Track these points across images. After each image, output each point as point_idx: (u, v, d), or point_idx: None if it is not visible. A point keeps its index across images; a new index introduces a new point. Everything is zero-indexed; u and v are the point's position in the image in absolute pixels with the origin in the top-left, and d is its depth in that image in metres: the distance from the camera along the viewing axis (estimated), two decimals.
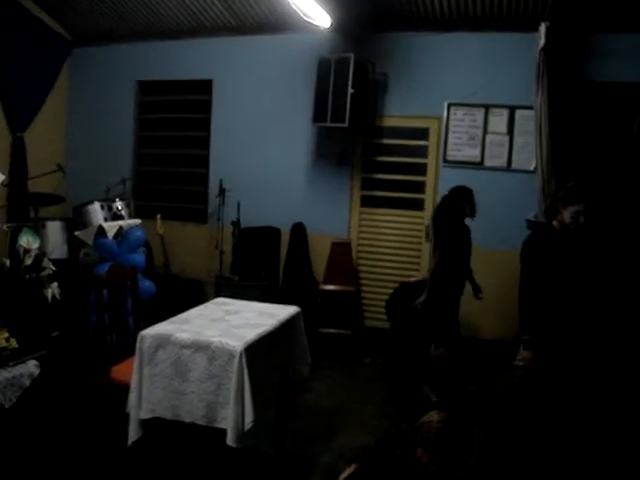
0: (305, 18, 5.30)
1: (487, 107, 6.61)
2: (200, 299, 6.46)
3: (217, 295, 5.79)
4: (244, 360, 3.04)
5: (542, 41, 5.98)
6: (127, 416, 3.24)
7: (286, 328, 3.74)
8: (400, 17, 6.55)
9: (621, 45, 6.19)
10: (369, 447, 2.69)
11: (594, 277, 4.06)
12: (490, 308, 6.16)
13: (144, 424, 3.22)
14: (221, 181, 7.02)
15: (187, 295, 6.35)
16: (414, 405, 4.78)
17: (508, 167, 6.57)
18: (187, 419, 3.12)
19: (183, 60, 7.49)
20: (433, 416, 2.66)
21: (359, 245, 7.05)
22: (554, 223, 3.93)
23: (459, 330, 5.25)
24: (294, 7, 5.14)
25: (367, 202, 7.00)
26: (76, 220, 6.22)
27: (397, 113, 6.84)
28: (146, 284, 5.79)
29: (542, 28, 5.97)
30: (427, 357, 5.16)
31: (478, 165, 6.68)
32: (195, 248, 7.38)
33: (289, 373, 3.93)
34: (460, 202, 5.15)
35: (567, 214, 3.80)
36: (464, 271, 5.20)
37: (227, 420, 3.02)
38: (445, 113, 6.71)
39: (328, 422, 4.51)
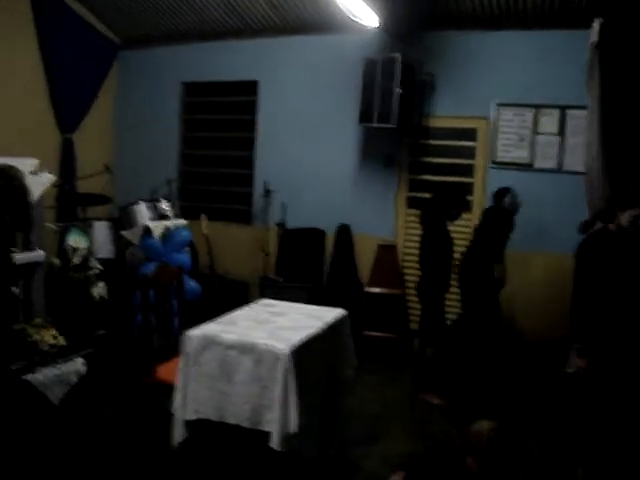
0: (352, 18, 5.24)
1: (537, 107, 6.44)
2: (245, 300, 6.48)
3: (262, 295, 5.78)
4: (290, 363, 3.00)
5: (594, 38, 5.80)
6: (172, 416, 3.23)
7: (332, 331, 3.69)
8: (448, 16, 6.44)
9: None
10: (416, 454, 2.62)
11: None
12: (539, 310, 6.07)
13: (189, 425, 3.20)
14: (266, 182, 7.02)
15: (232, 296, 6.36)
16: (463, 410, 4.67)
17: (559, 169, 6.39)
18: (232, 421, 3.09)
19: (228, 61, 7.52)
20: (484, 425, 2.59)
21: (405, 247, 6.96)
22: (610, 226, 3.80)
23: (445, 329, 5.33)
24: (341, 6, 5.09)
25: (414, 204, 6.88)
26: (122, 220, 6.27)
27: (445, 113, 6.73)
28: (191, 284, 5.80)
29: (595, 25, 5.78)
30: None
31: (528, 167, 6.53)
32: (240, 249, 7.37)
33: (334, 377, 3.87)
34: (448, 206, 5.16)
35: (625, 217, 3.67)
36: (448, 273, 5.20)
37: (272, 423, 2.98)
38: (494, 113, 6.57)
39: (372, 427, 4.44)
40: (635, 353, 3.75)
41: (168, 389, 3.36)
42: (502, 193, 5.54)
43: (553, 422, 4.33)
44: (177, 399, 3.23)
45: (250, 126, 7.55)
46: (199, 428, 3.23)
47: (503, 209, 5.45)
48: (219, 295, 6.06)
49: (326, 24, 6.82)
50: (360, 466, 3.86)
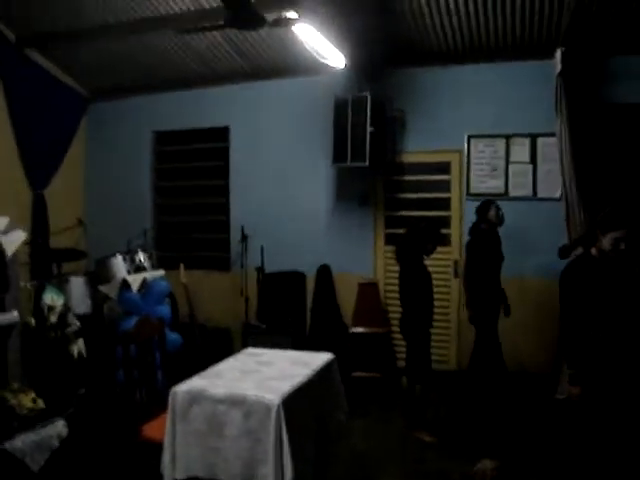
0: (320, 59, 5.27)
1: (508, 137, 6.51)
2: (228, 348, 6.38)
3: (244, 343, 5.69)
4: (281, 414, 2.92)
5: (559, 67, 5.92)
6: (161, 476, 3.11)
7: (321, 377, 3.62)
8: (414, 52, 6.53)
9: (637, 67, 6.13)
10: None
11: (635, 307, 3.90)
12: (517, 336, 6.10)
13: None
14: (242, 227, 6.97)
15: (214, 345, 6.26)
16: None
17: (534, 196, 6.43)
18: (223, 477, 2.98)
19: (199, 108, 7.53)
20: (487, 464, 2.52)
21: (387, 284, 6.91)
22: (592, 251, 3.79)
23: (431, 365, 5.25)
24: (308, 49, 5.11)
25: (392, 240, 6.84)
26: (99, 274, 6.17)
27: (417, 149, 6.77)
28: (173, 337, 5.68)
29: (558, 54, 5.92)
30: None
31: (503, 196, 6.55)
32: (220, 296, 7.28)
33: (326, 423, 3.77)
34: (422, 240, 5.12)
35: (606, 241, 3.66)
36: (430, 308, 5.15)
37: (266, 478, 2.88)
38: (466, 145, 6.63)
39: (368, 470, 4.33)
40: (626, 376, 3.73)
41: (156, 448, 3.23)
42: (486, 206, 5.75)
43: (550, 452, 4.27)
44: (165, 458, 3.12)
45: (223, 172, 7.54)
46: None
47: (488, 222, 5.68)
48: (201, 345, 5.93)
49: (294, 67, 6.88)
50: None
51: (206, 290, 7.18)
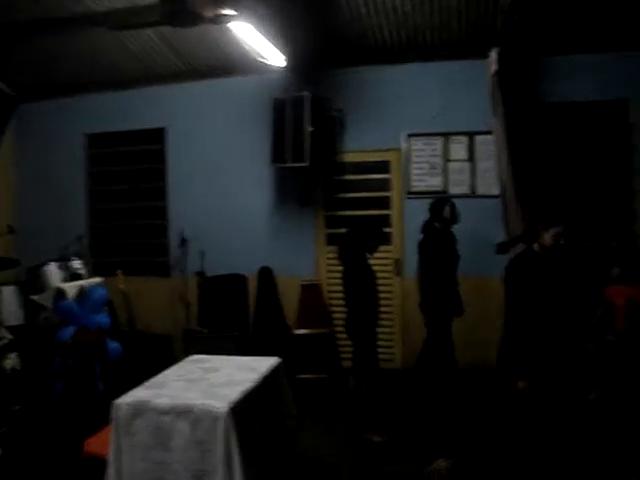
0: (258, 58, 5.18)
1: (446, 135, 6.58)
2: (169, 355, 6.23)
3: (186, 350, 5.55)
4: (230, 422, 2.84)
5: (494, 66, 6.01)
6: None
7: (269, 382, 3.55)
8: (353, 52, 6.52)
9: (570, 66, 6.30)
10: None
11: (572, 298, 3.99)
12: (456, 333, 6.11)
13: None
14: (182, 231, 6.81)
15: (155, 352, 6.09)
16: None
17: (473, 193, 6.51)
18: None
19: (133, 110, 7.32)
20: (441, 464, 2.50)
21: (329, 285, 6.88)
22: (535, 246, 3.85)
23: (378, 365, 5.19)
24: (247, 48, 5.01)
25: (333, 240, 6.81)
26: (31, 283, 5.92)
27: (357, 148, 6.77)
28: (113, 345, 5.50)
29: (493, 54, 6.01)
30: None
31: (442, 194, 6.61)
32: (159, 302, 7.09)
33: (276, 429, 3.70)
34: (364, 239, 5.07)
35: (548, 236, 3.73)
36: (375, 307, 5.10)
37: None
38: (405, 144, 6.66)
39: (318, 475, 4.26)
40: (567, 368, 3.81)
41: (99, 463, 3.10)
42: (440, 204, 5.62)
43: (505, 448, 4.31)
44: (110, 474, 2.99)
45: (160, 175, 7.35)
46: None
47: (442, 220, 5.55)
48: (142, 353, 5.76)
49: (232, 66, 6.77)
50: None
51: (145, 296, 7.00)
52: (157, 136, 7.33)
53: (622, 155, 6.47)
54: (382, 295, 6.43)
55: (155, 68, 6.99)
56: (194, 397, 3.00)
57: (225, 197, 7.04)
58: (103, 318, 5.61)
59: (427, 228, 5.65)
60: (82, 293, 5.59)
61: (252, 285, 6.93)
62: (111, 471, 2.98)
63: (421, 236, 5.68)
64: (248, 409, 3.08)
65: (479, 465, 3.51)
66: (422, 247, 5.63)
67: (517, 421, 3.94)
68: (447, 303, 5.49)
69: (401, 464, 4.13)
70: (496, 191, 6.20)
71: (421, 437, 4.82)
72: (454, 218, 5.63)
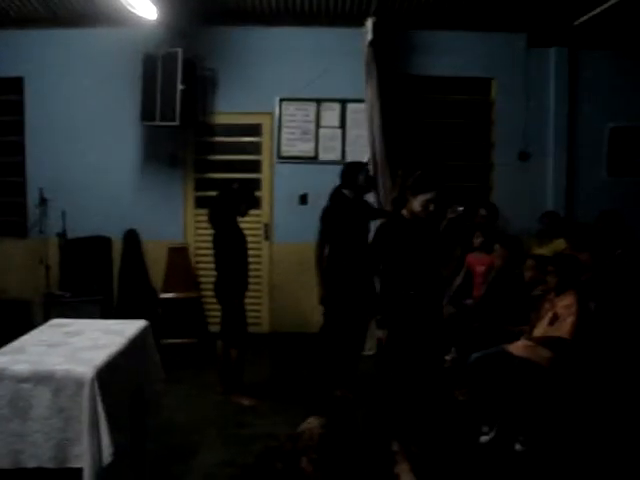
0: (129, 8, 4.90)
1: (319, 101, 6.63)
2: (28, 321, 5.90)
3: (47, 315, 5.26)
4: (96, 387, 2.71)
5: (369, 36, 6.09)
6: None
7: (136, 345, 3.43)
8: (229, 11, 6.37)
9: (441, 42, 6.57)
10: (248, 464, 2.49)
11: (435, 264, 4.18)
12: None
13: None
14: (41, 190, 6.38)
15: (12, 318, 5.74)
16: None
17: (343, 160, 6.60)
18: (32, 464, 2.68)
19: None
20: (313, 422, 2.52)
21: (197, 249, 6.78)
22: (403, 212, 3.98)
23: (247, 329, 5.11)
24: None
25: (202, 203, 6.68)
26: None
27: (228, 110, 6.67)
28: None
29: (369, 23, 6.09)
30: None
31: (313, 159, 6.69)
32: (16, 265, 6.64)
33: (142, 393, 3.60)
34: (236, 201, 4.92)
35: (417, 203, 3.86)
36: (245, 271, 5.02)
37: (81, 457, 2.67)
38: (277, 108, 6.63)
39: (187, 439, 4.21)
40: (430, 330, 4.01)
41: None
42: (354, 169, 5.07)
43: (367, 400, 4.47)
44: None
45: (17, 128, 6.80)
46: None
47: (355, 187, 4.98)
48: None
49: (100, 15, 6.33)
50: None
51: (0, 259, 6.55)
52: (14, 86, 6.75)
53: (482, 130, 6.83)
54: (251, 260, 6.44)
55: (12, 11, 6.40)
56: (56, 362, 2.83)
57: (89, 155, 6.65)
58: None
59: (336, 196, 5.06)
60: None
61: (117, 248, 6.69)
62: None
63: (325, 203, 5.11)
64: (114, 373, 2.96)
65: (349, 422, 3.62)
66: (326, 216, 5.01)
67: (380, 377, 4.12)
68: (345, 274, 4.89)
69: (272, 426, 4.17)
70: (365, 158, 6.32)
71: (291, 399, 4.89)
72: (369, 186, 5.19)
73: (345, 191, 5.00)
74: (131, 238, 6.69)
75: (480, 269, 5.52)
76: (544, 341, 4.11)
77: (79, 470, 2.67)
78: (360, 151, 6.47)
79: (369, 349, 5.57)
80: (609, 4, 5.50)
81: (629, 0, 5.25)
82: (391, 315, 3.94)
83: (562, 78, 6.63)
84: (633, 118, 6.77)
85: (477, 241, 5.64)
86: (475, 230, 5.75)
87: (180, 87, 5.94)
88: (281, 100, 6.61)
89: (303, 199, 6.67)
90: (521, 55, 6.63)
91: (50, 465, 2.68)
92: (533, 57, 6.65)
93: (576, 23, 6.20)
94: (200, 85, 6.43)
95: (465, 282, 5.64)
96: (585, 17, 6.02)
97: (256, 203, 5.96)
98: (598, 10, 5.72)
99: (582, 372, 4.12)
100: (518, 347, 4.18)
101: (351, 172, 5.03)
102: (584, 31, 6.32)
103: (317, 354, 5.15)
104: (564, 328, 4.05)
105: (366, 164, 5.52)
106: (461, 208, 4.30)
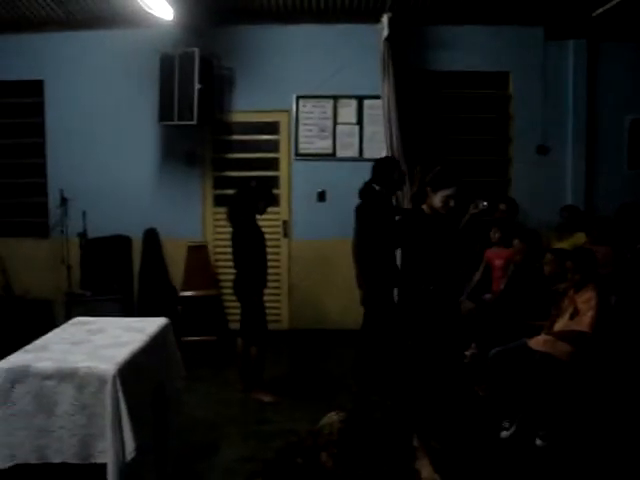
0: (147, 10, 4.93)
1: (335, 98, 6.64)
2: (50, 320, 5.97)
3: (68, 314, 5.32)
4: (118, 384, 2.74)
5: (385, 32, 6.08)
6: None
7: (157, 342, 3.46)
8: (245, 10, 6.40)
9: (457, 37, 6.53)
10: (269, 460, 2.50)
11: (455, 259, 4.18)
12: (342, 295, 6.29)
13: (5, 475, 2.78)
14: (62, 190, 6.45)
15: (35, 317, 5.82)
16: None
17: (360, 156, 6.61)
18: (57, 459, 2.73)
19: (7, 59, 6.74)
20: (333, 417, 2.52)
21: (216, 247, 6.82)
22: (424, 207, 3.98)
23: (266, 326, 5.12)
24: None
25: (221, 201, 6.71)
26: None
27: (246, 108, 6.70)
28: None
29: (384, 19, 6.09)
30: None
31: (330, 156, 6.70)
32: (39, 265, 6.70)
33: (164, 390, 3.63)
34: (254, 199, 4.94)
35: (437, 199, 3.87)
36: (264, 268, 5.04)
37: (105, 453, 2.70)
38: (294, 106, 6.65)
39: (209, 436, 4.24)
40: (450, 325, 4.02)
41: None
42: (390, 165, 5.03)
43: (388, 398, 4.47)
44: None
45: (39, 130, 6.86)
46: (18, 476, 2.83)
47: (386, 183, 4.91)
48: (20, 319, 5.47)
49: (118, 17, 6.40)
50: None
51: (23, 259, 6.65)
52: (35, 88, 6.83)
53: (500, 124, 6.79)
54: (270, 257, 6.47)
55: (32, 14, 6.47)
56: (79, 359, 2.87)
57: (109, 155, 6.73)
58: None
59: (366, 192, 5.00)
60: None
61: (137, 246, 6.74)
62: None
63: (357, 200, 5.03)
64: (136, 370, 2.99)
65: (370, 417, 3.62)
66: (360, 213, 5.01)
67: (402, 373, 4.12)
68: (385, 274, 4.84)
69: (292, 422, 4.19)
70: (383, 154, 6.31)
71: (311, 396, 4.91)
72: (401, 182, 5.16)
73: (376, 187, 4.94)
74: (151, 237, 6.74)
75: (499, 263, 5.50)
76: (564, 335, 4.09)
77: (103, 466, 2.70)
78: (377, 147, 6.47)
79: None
80: None
81: None
82: (410, 312, 3.94)
83: (580, 71, 6.58)
84: None
85: (495, 236, 5.62)
86: (494, 225, 5.73)
87: (197, 86, 5.97)
88: (298, 97, 6.63)
89: (321, 196, 6.69)
90: (538, 48, 6.59)
91: (75, 460, 2.72)
92: (551, 50, 6.60)
93: (594, 14, 6.13)
94: (217, 84, 6.45)
95: (484, 277, 5.62)
96: (603, 8, 5.95)
97: (274, 200, 5.98)
98: (617, 0, 5.66)
99: (603, 366, 4.10)
100: (538, 342, 4.17)
101: (385, 168, 4.99)
102: (603, 22, 6.25)
103: (357, 354, 5.16)
104: (584, 322, 4.03)
105: (398, 161, 5.49)
106: (485, 203, 4.25)
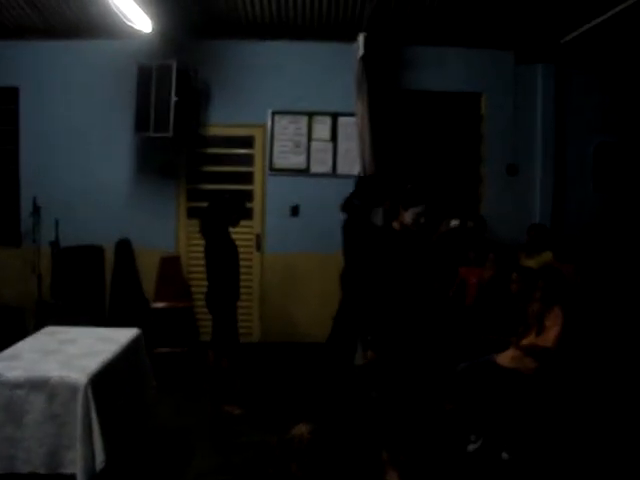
0: (125, 21, 4.95)
1: (310, 114, 6.70)
2: (21, 329, 5.90)
3: (39, 323, 5.28)
4: (89, 394, 2.76)
5: (361, 51, 6.18)
6: None
7: (128, 353, 3.49)
8: (223, 24, 6.44)
9: (431, 57, 6.67)
10: (241, 471, 2.54)
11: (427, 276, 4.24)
12: (313, 310, 6.43)
13: None
14: (35, 198, 6.40)
15: (4, 326, 5.74)
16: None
17: (333, 172, 6.69)
18: (25, 469, 2.75)
19: None
20: (302, 428, 2.56)
21: (189, 259, 6.82)
22: (394, 224, 4.05)
23: (238, 338, 5.16)
24: (113, 8, 4.76)
25: (194, 213, 6.71)
26: None
27: (222, 122, 6.72)
28: None
29: (360, 38, 6.18)
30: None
31: (304, 172, 6.76)
32: (9, 274, 6.62)
33: (135, 400, 3.65)
34: (227, 211, 4.99)
35: (408, 216, 3.93)
36: (237, 281, 5.07)
37: (75, 463, 2.72)
38: (269, 121, 6.70)
39: (180, 448, 4.25)
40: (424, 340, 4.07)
41: None
42: (370, 182, 5.23)
43: (355, 412, 4.51)
44: None
45: (12, 137, 6.81)
46: None
47: (367, 199, 5.13)
48: None
49: (96, 28, 6.38)
50: None
51: None
52: (9, 96, 6.77)
53: (472, 144, 6.93)
54: (242, 270, 6.49)
55: (8, 22, 6.41)
56: (50, 369, 2.89)
57: (83, 164, 6.69)
58: None
59: (347, 206, 5.25)
60: None
61: (109, 257, 6.70)
62: None
63: (331, 216, 5.28)
64: (108, 380, 3.02)
65: (339, 429, 3.66)
66: (346, 228, 5.22)
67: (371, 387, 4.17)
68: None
69: (261, 434, 4.21)
70: (356, 171, 6.41)
71: (281, 408, 4.94)
72: (381, 200, 5.33)
73: (357, 202, 5.17)
74: (123, 247, 6.71)
75: (472, 281, 5.60)
76: (530, 351, 4.18)
77: (72, 476, 2.71)
78: (351, 164, 6.56)
79: (357, 360, 5.62)
80: (594, 23, 5.62)
81: (613, 19, 5.37)
82: (384, 329, 3.98)
83: (549, 94, 6.75)
84: (618, 134, 6.89)
85: (472, 255, 5.73)
86: (467, 246, 5.83)
87: (174, 99, 5.99)
88: (273, 113, 6.69)
89: (294, 211, 6.74)
90: (509, 71, 6.75)
91: (43, 471, 2.73)
92: (521, 73, 6.77)
93: (563, 41, 6.33)
94: (194, 96, 6.47)
95: (458, 293, 5.71)
96: (571, 35, 6.14)
97: (247, 213, 6.02)
98: (584, 28, 5.85)
99: (566, 381, 4.20)
100: (505, 357, 4.26)
101: (366, 184, 5.29)
102: (571, 49, 6.44)
103: (323, 366, 5.20)
104: (549, 338, 4.13)
105: (383, 180, 5.63)
106: (456, 222, 4.36)
